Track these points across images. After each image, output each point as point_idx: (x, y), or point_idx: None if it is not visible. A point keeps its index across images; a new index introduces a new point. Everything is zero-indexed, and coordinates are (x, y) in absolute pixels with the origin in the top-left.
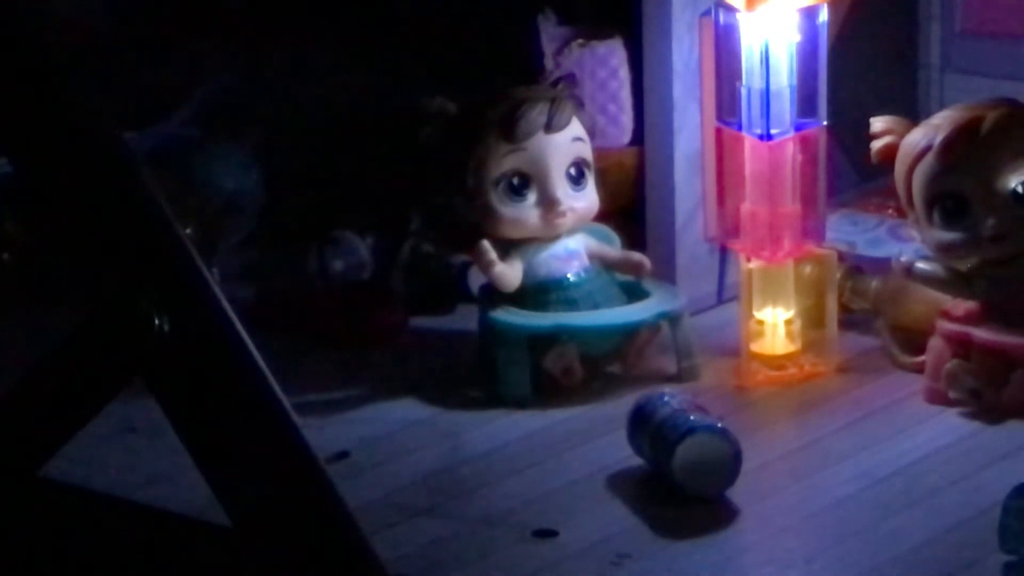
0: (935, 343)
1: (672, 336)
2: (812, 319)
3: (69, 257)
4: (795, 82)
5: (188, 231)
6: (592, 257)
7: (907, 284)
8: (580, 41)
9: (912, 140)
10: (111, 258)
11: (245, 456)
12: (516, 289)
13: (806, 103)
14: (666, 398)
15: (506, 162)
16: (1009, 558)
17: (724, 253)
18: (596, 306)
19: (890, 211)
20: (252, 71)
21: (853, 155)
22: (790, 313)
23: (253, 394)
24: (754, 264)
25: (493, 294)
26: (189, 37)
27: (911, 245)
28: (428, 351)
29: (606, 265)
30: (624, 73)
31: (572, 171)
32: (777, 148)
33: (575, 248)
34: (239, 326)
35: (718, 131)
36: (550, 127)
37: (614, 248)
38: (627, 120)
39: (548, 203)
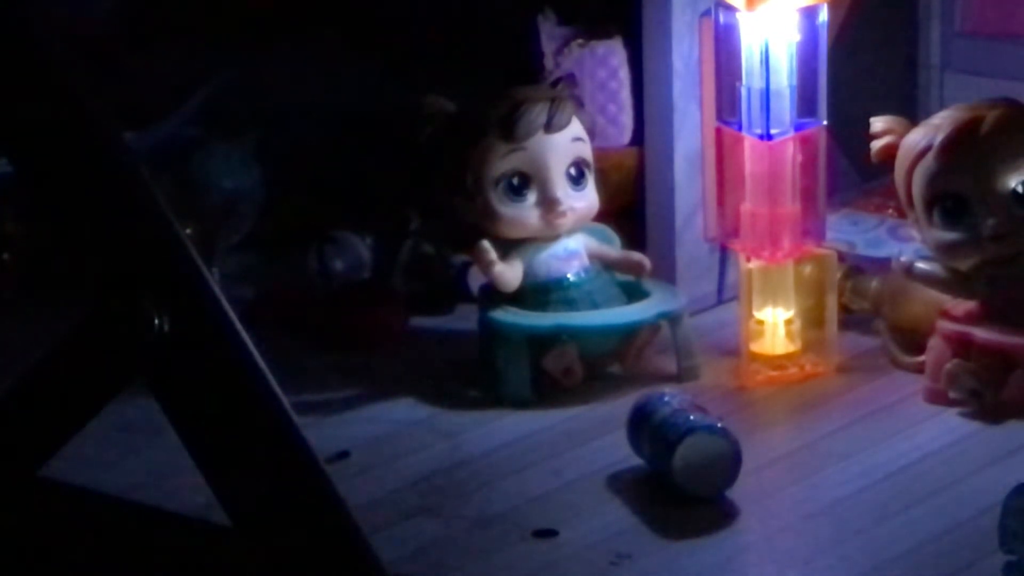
0: (935, 343)
1: (672, 336)
2: (812, 319)
3: (69, 257)
4: (795, 82)
5: (188, 231)
6: (592, 257)
7: (907, 284)
8: (580, 41)
9: (912, 140)
10: (111, 258)
11: (245, 456)
12: (516, 289)
13: (806, 103)
14: (666, 398)
15: (506, 162)
16: (1009, 558)
17: (724, 253)
18: (596, 306)
19: (890, 211)
20: (252, 71)
21: (853, 155)
22: (790, 313)
23: (253, 394)
24: (754, 264)
25: (493, 294)
26: (189, 37)
27: (911, 245)
28: (428, 351)
29: (606, 265)
30: (624, 73)
31: (572, 171)
32: (777, 148)
33: (575, 248)
34: (239, 326)
35: (718, 131)
36: (550, 127)
37: (614, 248)
38: (627, 120)
39: (548, 203)
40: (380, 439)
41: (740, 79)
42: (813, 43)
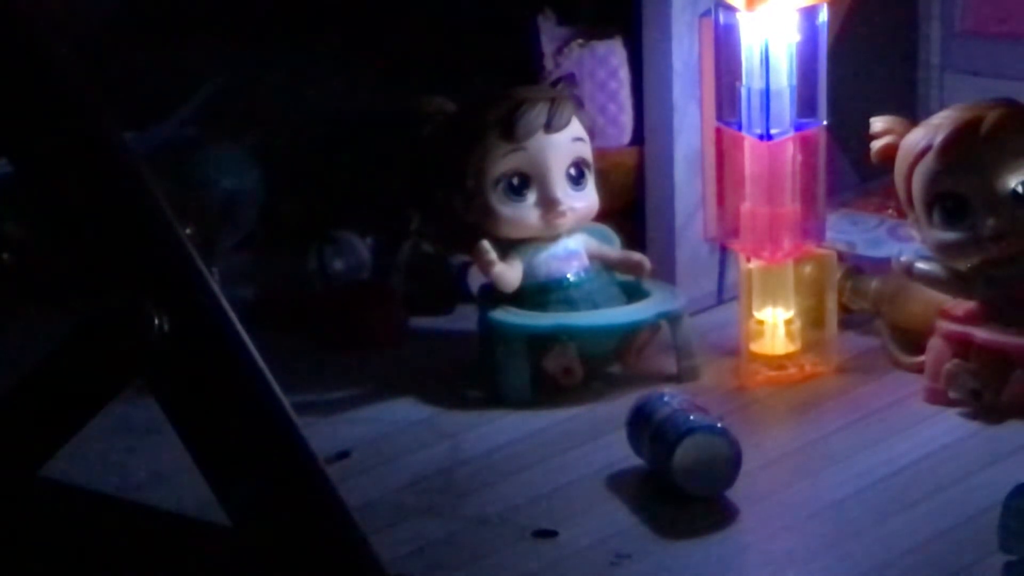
0: (935, 343)
1: (672, 336)
2: (812, 319)
3: (69, 257)
4: (795, 82)
5: (188, 231)
6: (592, 257)
7: (907, 284)
8: (580, 41)
9: (912, 140)
10: (111, 258)
11: (245, 456)
12: (516, 289)
13: (806, 103)
14: (666, 398)
15: (506, 162)
16: (1009, 558)
17: (724, 253)
18: (596, 306)
19: (890, 211)
20: (252, 71)
21: (853, 155)
22: (790, 313)
23: (253, 394)
24: (754, 264)
25: (493, 294)
26: (190, 37)
27: (911, 245)
28: (428, 351)
29: (606, 265)
30: (624, 73)
31: (572, 171)
32: (777, 148)
33: (575, 248)
34: (239, 326)
35: (718, 131)
36: (550, 127)
37: (614, 248)
38: (627, 120)
39: (548, 203)
40: (380, 439)
41: (740, 79)
42: (813, 43)
